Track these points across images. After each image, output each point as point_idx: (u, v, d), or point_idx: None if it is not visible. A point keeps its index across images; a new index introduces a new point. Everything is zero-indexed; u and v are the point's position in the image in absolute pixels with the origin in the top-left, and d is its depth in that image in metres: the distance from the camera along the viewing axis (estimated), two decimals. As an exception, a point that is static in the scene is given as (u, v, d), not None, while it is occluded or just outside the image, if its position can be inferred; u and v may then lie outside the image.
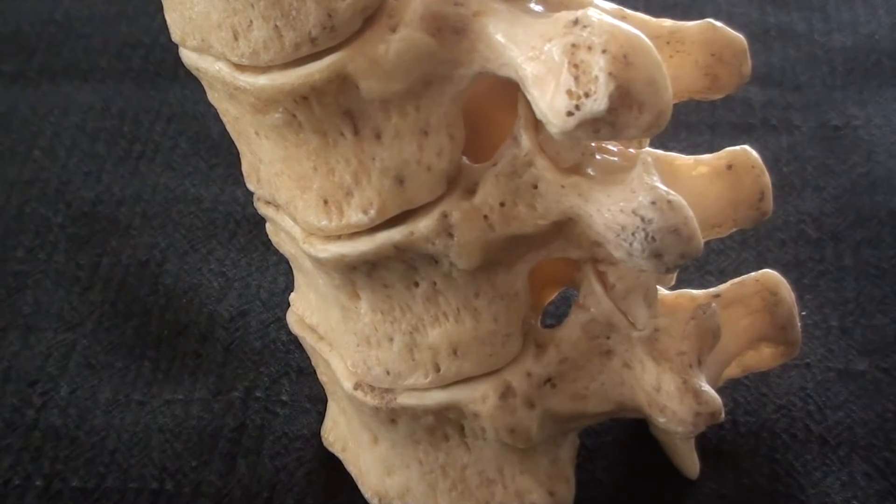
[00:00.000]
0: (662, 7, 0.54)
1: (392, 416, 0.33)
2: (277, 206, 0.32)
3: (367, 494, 0.36)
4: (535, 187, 0.29)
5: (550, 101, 0.26)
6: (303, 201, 0.30)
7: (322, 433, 0.38)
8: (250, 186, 0.32)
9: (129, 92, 0.51)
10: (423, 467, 0.34)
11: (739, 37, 0.31)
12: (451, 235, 0.29)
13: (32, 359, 0.41)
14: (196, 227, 0.45)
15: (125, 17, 0.55)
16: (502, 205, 0.29)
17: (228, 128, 0.31)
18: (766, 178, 0.32)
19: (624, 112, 0.26)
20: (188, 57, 0.30)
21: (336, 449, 0.37)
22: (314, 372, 0.37)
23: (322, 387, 0.37)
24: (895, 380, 0.39)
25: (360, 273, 0.30)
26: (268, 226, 0.34)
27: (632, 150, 0.31)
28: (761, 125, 0.48)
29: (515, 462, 0.33)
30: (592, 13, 0.26)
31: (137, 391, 0.40)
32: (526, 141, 0.29)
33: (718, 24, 0.31)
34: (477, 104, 0.30)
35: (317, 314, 0.34)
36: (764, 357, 0.37)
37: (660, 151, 0.32)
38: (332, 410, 0.37)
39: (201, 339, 0.41)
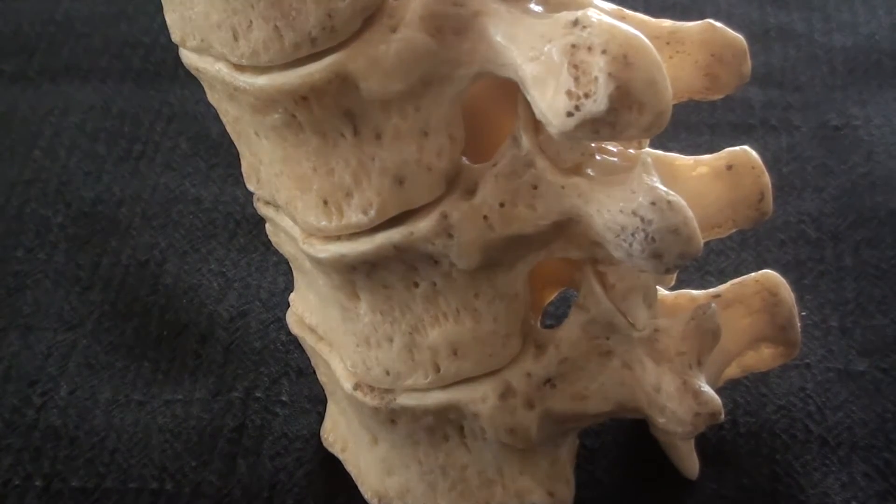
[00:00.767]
0: (662, 7, 0.54)
1: (392, 417, 0.33)
2: (277, 207, 0.32)
3: (366, 495, 0.36)
4: (535, 188, 0.29)
5: (550, 101, 0.26)
6: (302, 202, 0.30)
7: (322, 433, 0.38)
8: (250, 187, 0.32)
9: (129, 92, 0.51)
10: (423, 467, 0.34)
11: (739, 37, 0.31)
12: (450, 236, 0.29)
13: (32, 359, 0.41)
14: (196, 227, 0.45)
15: (125, 17, 0.55)
16: (502, 205, 0.29)
17: (228, 128, 0.31)
18: (766, 179, 0.32)
19: (624, 112, 0.26)
20: (188, 57, 0.30)
21: (336, 449, 0.37)
22: (314, 372, 0.37)
23: (322, 387, 0.37)
24: (895, 380, 0.39)
25: (359, 273, 0.30)
26: (268, 226, 0.34)
27: (631, 150, 0.31)
28: (761, 125, 0.48)
29: (515, 462, 0.33)
30: (592, 14, 0.26)
31: (137, 391, 0.40)
32: (526, 141, 0.29)
33: (718, 24, 0.31)
34: (477, 104, 0.30)
35: (316, 314, 0.34)
36: (764, 357, 0.37)
37: (660, 152, 0.32)
38: (332, 411, 0.37)
39: (201, 339, 0.41)
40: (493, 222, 0.29)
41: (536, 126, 0.29)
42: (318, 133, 0.29)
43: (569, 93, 0.26)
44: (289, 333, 0.40)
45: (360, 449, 0.35)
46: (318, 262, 0.31)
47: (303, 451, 0.38)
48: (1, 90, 0.52)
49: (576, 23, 0.26)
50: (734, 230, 0.32)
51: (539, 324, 0.33)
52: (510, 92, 0.29)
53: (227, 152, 0.48)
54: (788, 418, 0.38)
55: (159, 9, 0.51)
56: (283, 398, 0.39)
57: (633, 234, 0.28)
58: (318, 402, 0.39)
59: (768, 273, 0.35)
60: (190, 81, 0.51)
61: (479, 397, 0.32)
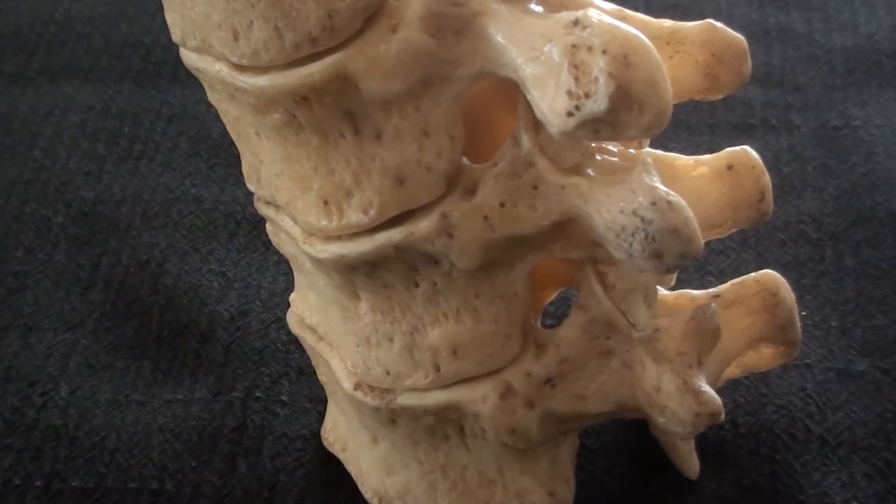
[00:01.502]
0: (663, 7, 0.54)
1: (392, 417, 0.33)
2: (277, 207, 0.32)
3: (366, 494, 0.36)
4: (536, 188, 0.29)
5: (550, 101, 0.26)
6: (303, 202, 0.30)
7: (322, 433, 0.38)
8: (250, 187, 0.32)
9: (129, 92, 0.51)
10: (423, 467, 0.34)
11: (739, 37, 0.31)
12: (451, 236, 0.29)
13: (32, 359, 0.41)
14: (196, 227, 0.45)
15: (125, 17, 0.55)
16: (502, 205, 0.29)
17: (229, 128, 0.31)
18: (767, 179, 0.32)
19: (624, 112, 0.26)
20: (188, 57, 0.30)
21: (336, 449, 0.37)
22: (314, 372, 0.37)
23: (322, 387, 0.37)
24: (895, 380, 0.39)
25: (360, 273, 0.30)
26: (268, 226, 0.34)
27: (632, 150, 0.31)
28: (761, 125, 0.48)
29: (515, 462, 0.33)
30: (592, 14, 0.26)
31: (137, 391, 0.40)
32: (526, 141, 0.29)
33: (718, 24, 0.31)
34: (477, 104, 0.30)
35: (317, 314, 0.34)
36: (764, 357, 0.37)
37: (660, 152, 0.32)
38: (332, 410, 0.37)
39: (201, 339, 0.41)
40: (493, 222, 0.29)
41: (537, 126, 0.29)
42: (318, 133, 0.29)
43: (569, 93, 0.26)
44: (289, 333, 0.40)
45: (361, 449, 0.35)
46: (318, 262, 0.31)
47: (303, 451, 0.38)
48: (1, 90, 0.52)
49: (576, 23, 0.26)
50: (734, 230, 0.32)
51: (539, 324, 0.33)
52: (510, 92, 0.29)
53: (227, 152, 0.48)
54: (788, 418, 0.38)
55: (159, 9, 0.51)
56: (284, 398, 0.39)
57: (633, 235, 0.28)
58: (318, 402, 0.39)
59: (768, 273, 0.35)
60: (190, 81, 0.51)
61: (480, 397, 0.32)
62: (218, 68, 0.29)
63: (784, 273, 0.36)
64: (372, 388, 0.32)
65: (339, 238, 0.30)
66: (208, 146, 0.49)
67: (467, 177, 0.29)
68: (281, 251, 0.34)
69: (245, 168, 0.32)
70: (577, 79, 0.26)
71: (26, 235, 0.45)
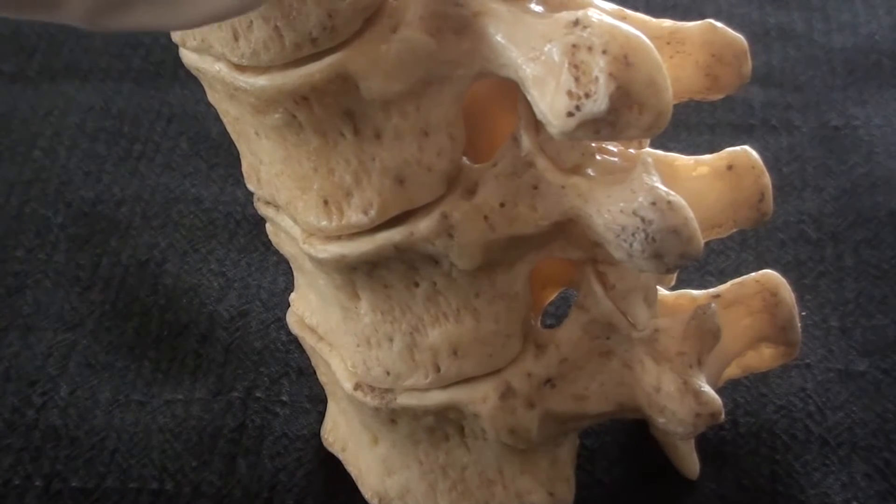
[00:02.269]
0: (663, 7, 0.54)
1: (392, 417, 0.33)
2: (277, 207, 0.32)
3: (367, 495, 0.36)
4: (536, 188, 0.29)
5: (551, 101, 0.26)
6: (303, 202, 0.30)
7: (322, 433, 0.38)
8: (250, 187, 0.32)
9: (129, 92, 0.51)
10: (424, 467, 0.34)
11: (740, 37, 0.31)
12: (451, 236, 0.29)
13: (32, 359, 0.41)
14: (196, 227, 0.45)
15: (125, 16, 0.55)
16: (502, 205, 0.29)
17: (228, 128, 0.31)
18: (767, 179, 0.32)
19: (624, 113, 0.26)
20: (188, 57, 0.30)
21: (336, 449, 0.37)
22: (314, 372, 0.37)
23: (322, 387, 0.37)
24: (895, 380, 0.39)
25: (360, 273, 0.30)
26: (268, 226, 0.34)
27: (632, 150, 0.31)
28: (761, 125, 0.48)
29: (515, 462, 0.33)
30: (593, 14, 0.26)
31: (137, 391, 0.40)
32: (526, 141, 0.29)
33: (719, 24, 0.31)
34: (477, 104, 0.30)
35: (317, 314, 0.34)
36: (764, 357, 0.37)
37: (660, 152, 0.32)
38: (332, 411, 0.37)
39: (201, 339, 0.41)
40: (493, 222, 0.29)
41: (537, 126, 0.29)
42: (318, 133, 0.29)
43: (569, 93, 0.26)
44: (289, 333, 0.40)
45: (361, 449, 0.35)
46: (318, 262, 0.31)
47: (303, 451, 0.38)
48: (1, 90, 0.52)
49: (576, 23, 0.26)
50: (734, 230, 0.32)
51: (539, 324, 0.33)
52: (510, 92, 0.29)
53: (227, 152, 0.48)
54: (788, 418, 0.38)
55: (159, 9, 0.51)
56: (283, 398, 0.39)
57: (633, 235, 0.28)
58: (318, 402, 0.39)
59: (769, 273, 0.35)
60: (190, 81, 0.51)
61: (480, 397, 0.32)
62: (218, 68, 0.29)
63: (784, 273, 0.36)
64: (372, 389, 0.32)
65: (339, 238, 0.30)
66: (208, 146, 0.49)
67: (467, 177, 0.29)
68: (281, 251, 0.34)
69: (245, 168, 0.32)
70: (577, 79, 0.26)
71: (26, 235, 0.45)
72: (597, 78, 0.25)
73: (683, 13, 0.53)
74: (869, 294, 0.42)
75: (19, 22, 0.55)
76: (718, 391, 0.33)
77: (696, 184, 0.32)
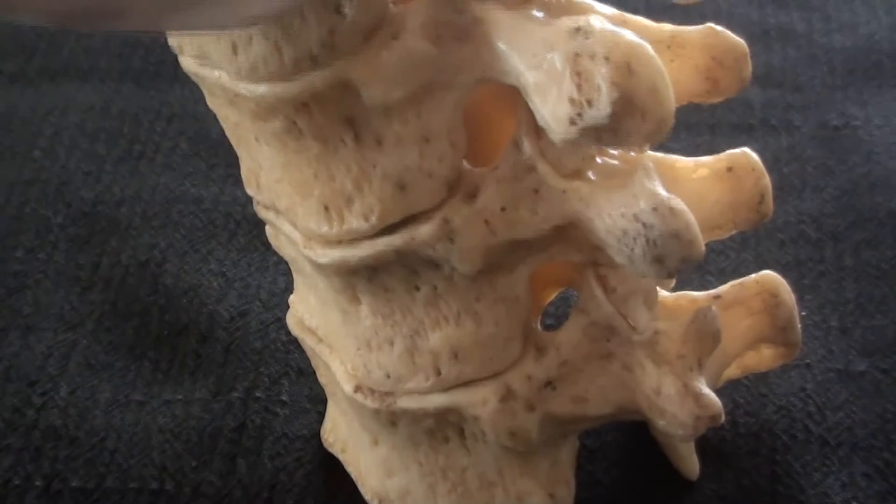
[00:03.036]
0: (663, 8, 0.54)
1: (392, 419, 0.33)
2: (277, 212, 0.32)
3: (366, 496, 0.36)
4: (537, 192, 0.29)
5: (552, 109, 0.26)
6: (303, 208, 0.30)
7: (322, 434, 0.38)
8: (250, 192, 0.32)
9: (129, 92, 0.51)
10: (423, 469, 0.34)
11: (740, 41, 0.31)
12: (452, 240, 0.29)
13: (32, 359, 0.41)
14: (196, 227, 0.45)
15: (125, 15, 0.55)
16: (503, 210, 0.29)
17: (228, 133, 0.31)
18: (767, 181, 0.32)
19: (626, 120, 0.26)
20: (187, 64, 0.30)
21: (336, 450, 0.37)
22: (314, 372, 0.37)
23: (322, 387, 0.37)
24: (895, 380, 0.39)
25: (360, 277, 0.30)
26: (267, 229, 0.34)
27: (633, 153, 0.31)
28: (761, 126, 0.48)
29: (515, 464, 0.33)
30: (595, 21, 0.26)
31: (137, 391, 0.40)
32: (527, 146, 0.29)
33: (719, 28, 0.31)
34: (478, 108, 0.30)
35: (317, 317, 0.34)
36: (764, 358, 0.37)
37: (660, 154, 0.32)
38: (332, 411, 0.37)
39: (201, 339, 0.41)
40: (494, 227, 0.29)
41: (537, 130, 0.29)
42: (318, 139, 0.29)
43: (571, 100, 0.26)
44: (289, 333, 0.40)
45: (361, 450, 0.35)
46: (318, 266, 0.31)
47: (303, 451, 0.38)
48: (1, 90, 0.52)
49: (578, 30, 0.26)
50: (734, 232, 0.32)
51: (539, 325, 0.33)
52: (511, 95, 0.29)
53: (227, 152, 0.48)
54: (788, 418, 0.38)
55: (159, 8, 0.51)
56: (283, 398, 0.39)
57: (634, 239, 0.28)
58: (318, 402, 0.39)
59: (768, 274, 0.35)
60: (190, 81, 0.50)
61: (480, 400, 0.32)
62: (217, 75, 0.29)
63: (784, 273, 0.36)
64: (372, 391, 0.32)
65: (339, 243, 0.30)
66: (208, 146, 0.48)
67: (468, 181, 0.29)
68: (281, 254, 0.34)
69: (244, 173, 0.32)
70: (579, 86, 0.26)
71: (26, 235, 0.45)
72: (599, 86, 0.25)
73: (684, 14, 0.53)
74: (869, 294, 0.42)
75: (19, 22, 0.55)
76: (718, 392, 0.33)
77: (696, 186, 0.32)
